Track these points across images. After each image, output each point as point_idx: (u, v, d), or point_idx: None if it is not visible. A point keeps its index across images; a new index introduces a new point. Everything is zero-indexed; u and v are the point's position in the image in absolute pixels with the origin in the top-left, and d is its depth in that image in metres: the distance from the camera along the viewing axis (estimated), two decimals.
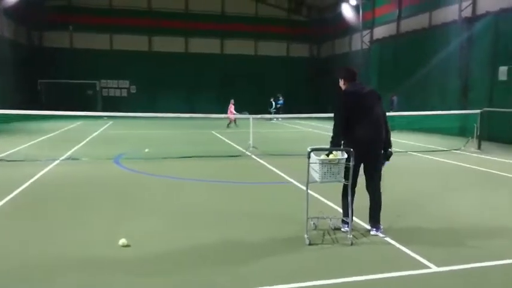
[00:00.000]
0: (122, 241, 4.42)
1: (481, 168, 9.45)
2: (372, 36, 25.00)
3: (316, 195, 6.60)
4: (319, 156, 4.67)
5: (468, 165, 9.88)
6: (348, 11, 26.53)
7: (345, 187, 4.95)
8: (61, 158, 10.03)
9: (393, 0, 22.72)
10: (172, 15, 29.85)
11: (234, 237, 4.72)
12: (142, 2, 29.49)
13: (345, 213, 4.99)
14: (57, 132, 16.75)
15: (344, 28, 27.90)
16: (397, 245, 4.51)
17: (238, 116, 17.80)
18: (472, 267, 3.96)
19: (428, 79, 19.37)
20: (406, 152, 12.10)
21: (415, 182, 7.97)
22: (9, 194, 6.45)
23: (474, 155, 11.70)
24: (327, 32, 30.87)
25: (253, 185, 7.58)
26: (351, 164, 4.57)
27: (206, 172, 8.78)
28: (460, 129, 17.12)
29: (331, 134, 4.90)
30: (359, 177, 4.88)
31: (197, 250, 4.34)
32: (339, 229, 5.02)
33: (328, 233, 4.91)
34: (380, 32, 24.21)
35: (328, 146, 4.84)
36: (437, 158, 10.97)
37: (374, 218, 4.89)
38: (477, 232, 5.07)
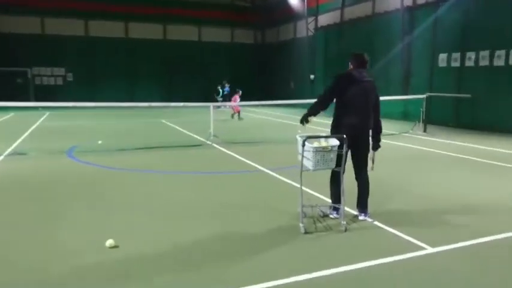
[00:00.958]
0: (109, 242, 4.08)
1: (437, 151, 10.02)
2: (316, 24, 25.41)
3: (293, 183, 6.60)
4: (310, 143, 4.61)
5: (426, 148, 10.42)
6: None
7: (333, 174, 4.97)
8: (5, 154, 9.12)
9: None
10: None
11: (227, 230, 4.56)
12: None
13: (334, 199, 5.02)
14: None
15: (288, 15, 28.06)
16: (388, 229, 4.62)
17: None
18: (464, 245, 4.16)
19: (372, 66, 20.10)
20: None
21: (384, 165, 8.24)
22: None
23: (424, 137, 12.39)
24: (272, 19, 30.90)
25: (224, 175, 7.40)
26: (344, 151, 4.58)
27: (171, 163, 8.45)
28: (403, 114, 18.12)
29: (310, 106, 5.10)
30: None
31: (193, 245, 4.13)
32: (327, 216, 5.04)
33: (319, 221, 4.91)
34: (325, 19, 24.67)
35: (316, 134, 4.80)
36: (393, 142, 11.46)
37: (362, 204, 4.97)
38: (459, 210, 5.36)
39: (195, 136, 12.29)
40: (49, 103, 11.11)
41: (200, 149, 10.19)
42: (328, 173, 4.97)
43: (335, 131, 4.89)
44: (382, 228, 4.66)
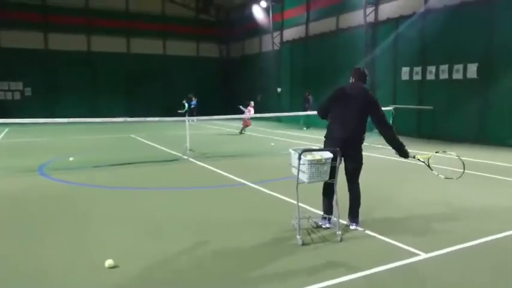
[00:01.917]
0: (109, 262, 3.97)
1: (410, 161, 10.42)
2: (282, 38, 25.93)
3: (279, 196, 6.69)
4: (304, 156, 4.72)
5: (399, 159, 10.83)
6: (257, 12, 27.14)
7: (326, 186, 5.10)
8: None
9: (301, 4, 23.83)
10: (71, 10, 27.46)
11: (222, 247, 4.54)
12: None
13: (326, 210, 5.15)
14: None
15: (253, 29, 28.49)
16: (381, 237, 4.78)
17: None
18: (457, 249, 4.39)
19: (337, 79, 20.74)
20: None
21: (366, 176, 8.52)
22: None
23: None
24: (236, 33, 31.24)
25: (208, 190, 7.36)
26: (337, 163, 4.72)
27: (150, 179, 8.30)
28: (369, 126, 18.75)
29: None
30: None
31: (191, 264, 4.08)
32: (319, 227, 5.15)
33: (313, 232, 5.00)
34: (290, 33, 25.23)
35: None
36: (365, 153, 11.80)
37: (353, 214, 5.12)
38: (443, 216, 5.64)
39: (169, 151, 12.14)
40: (13, 119, 10.62)
41: (177, 164, 10.08)
42: (316, 185, 5.09)
43: (326, 143, 5.04)
44: (374, 236, 4.83)
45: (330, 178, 4.82)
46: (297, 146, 13.26)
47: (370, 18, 18.76)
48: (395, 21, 17.48)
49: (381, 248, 4.51)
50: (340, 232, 4.74)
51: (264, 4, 25.96)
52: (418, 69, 16.30)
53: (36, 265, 4.05)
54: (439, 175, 5.41)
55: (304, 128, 20.02)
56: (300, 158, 4.60)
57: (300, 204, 6.02)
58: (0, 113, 22.06)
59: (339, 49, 20.63)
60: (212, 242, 4.66)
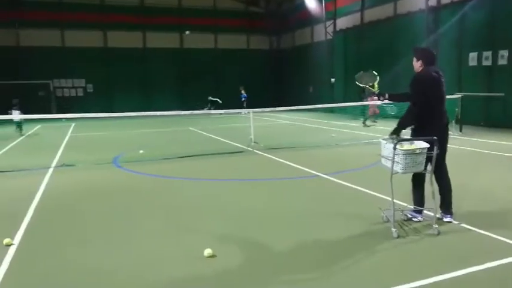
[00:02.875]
0: (208, 251, 4.05)
1: (485, 151, 9.90)
2: (335, 27, 25.39)
3: (357, 187, 6.55)
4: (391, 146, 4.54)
5: (471, 148, 10.30)
6: (309, 2, 26.71)
7: (417, 177, 4.90)
8: (53, 166, 9.18)
9: None
10: (128, 9, 28.44)
11: (313, 238, 4.48)
12: None
13: (418, 202, 4.95)
14: (20, 138, 15.34)
15: (305, 19, 28.11)
16: (480, 231, 4.53)
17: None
18: None
19: (395, 67, 20.02)
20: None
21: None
22: (27, 211, 5.75)
23: (463, 138, 12.23)
24: (287, 24, 30.97)
25: (283, 181, 7.34)
26: (435, 152, 4.51)
27: (223, 171, 8.41)
28: None
29: (402, 117, 4.86)
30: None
31: (285, 255, 4.07)
32: (410, 220, 4.96)
33: (404, 225, 4.83)
34: (343, 22, 24.64)
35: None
36: None
37: (447, 205, 4.88)
38: None
39: (232, 143, 12.26)
40: (83, 114, 11.29)
41: (244, 156, 10.13)
42: (399, 176, 4.89)
43: (422, 133, 4.71)
44: (472, 230, 4.57)
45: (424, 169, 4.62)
46: (358, 137, 12.96)
47: (432, 2, 17.86)
48: (460, 4, 16.52)
49: (484, 243, 4.26)
50: (436, 225, 4.53)
51: None
52: (488, 53, 15.32)
53: (137, 255, 4.20)
54: None
55: (362, 119, 19.51)
56: (395, 148, 4.43)
57: (382, 196, 5.93)
58: (65, 109, 23.47)
59: (397, 36, 19.87)
60: (301, 234, 4.62)
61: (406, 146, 4.52)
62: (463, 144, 10.85)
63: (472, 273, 3.54)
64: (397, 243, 4.27)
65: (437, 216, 4.95)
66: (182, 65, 30.05)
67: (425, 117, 4.74)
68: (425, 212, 4.98)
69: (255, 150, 10.60)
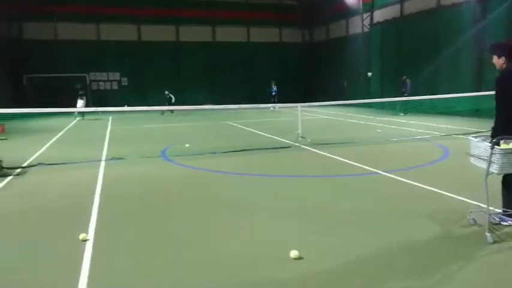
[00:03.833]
0: (294, 253, 3.86)
1: None
2: (372, 19, 24.75)
3: (424, 186, 6.23)
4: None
5: None
6: None
7: (507, 178, 4.56)
8: (103, 159, 9.20)
9: None
10: (161, 2, 28.54)
11: (396, 241, 4.22)
12: None
13: (508, 205, 4.61)
14: (63, 131, 15.57)
15: (340, 12, 27.53)
16: None
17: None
18: None
19: (437, 62, 19.35)
20: (453, 135, 11.93)
21: None
22: (92, 204, 5.71)
23: None
24: (320, 17, 30.43)
25: (343, 178, 7.08)
26: None
27: (278, 166, 8.18)
28: (475, 111, 17.26)
29: (493, 125, 4.46)
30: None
31: (376, 258, 3.83)
32: (498, 224, 4.63)
33: (495, 229, 4.51)
34: (381, 14, 23.98)
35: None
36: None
37: None
38: None
39: (275, 137, 12.05)
40: (138, 108, 11.33)
41: (294, 151, 9.87)
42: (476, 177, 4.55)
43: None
44: None
45: None
46: (406, 133, 12.53)
47: None
48: None
49: None
50: None
51: None
52: None
53: (212, 255, 4.05)
54: None
55: (402, 114, 18.98)
56: (493, 147, 4.11)
57: (454, 196, 5.61)
58: (100, 102, 23.76)
59: (440, 28, 19.18)
60: (384, 236, 4.37)
61: (503, 145, 4.20)
62: None
63: None
64: (495, 249, 3.97)
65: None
66: (213, 59, 30.01)
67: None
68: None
69: (302, 146, 10.36)
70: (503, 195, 4.65)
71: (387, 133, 12.58)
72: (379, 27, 24.08)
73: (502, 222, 4.64)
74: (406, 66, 20.89)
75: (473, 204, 5.05)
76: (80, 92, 20.45)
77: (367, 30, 24.98)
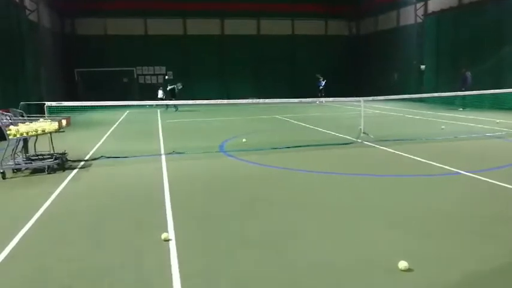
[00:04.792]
0: (403, 264, 3.44)
1: None
2: (426, 9, 23.52)
3: None
4: None
5: None
6: None
7: None
8: (163, 153, 9.09)
9: None
10: None
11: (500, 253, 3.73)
12: None
13: None
14: (116, 124, 15.73)
15: (390, 2, 26.41)
16: None
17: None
18: None
19: (500, 52, 18.08)
20: None
21: None
22: (164, 199, 5.52)
23: None
24: (368, 8, 29.35)
25: (423, 178, 6.53)
26: None
27: (347, 164, 7.72)
28: None
29: None
30: None
31: (499, 273, 3.36)
32: None
33: None
34: (436, 4, 22.71)
35: None
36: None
37: None
38: None
39: (334, 133, 11.57)
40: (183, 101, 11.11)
41: (358, 148, 9.33)
42: None
43: None
44: None
45: None
46: (474, 129, 11.70)
47: None
48: None
49: None
50: None
51: None
52: None
53: (304, 261, 3.71)
54: None
55: (461, 109, 17.90)
56: None
57: None
58: (147, 95, 24.02)
59: (504, 18, 17.85)
60: (494, 242, 3.87)
61: None
62: None
63: None
64: None
65: None
66: (258, 52, 29.70)
67: None
68: None
69: (365, 142, 9.82)
70: None
71: (453, 129, 11.77)
72: (434, 17, 22.82)
73: None
74: (464, 58, 19.67)
75: None
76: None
77: (421, 20, 23.77)
